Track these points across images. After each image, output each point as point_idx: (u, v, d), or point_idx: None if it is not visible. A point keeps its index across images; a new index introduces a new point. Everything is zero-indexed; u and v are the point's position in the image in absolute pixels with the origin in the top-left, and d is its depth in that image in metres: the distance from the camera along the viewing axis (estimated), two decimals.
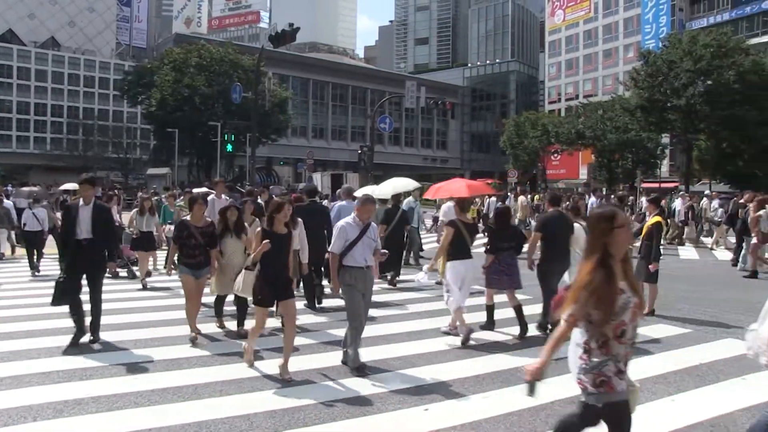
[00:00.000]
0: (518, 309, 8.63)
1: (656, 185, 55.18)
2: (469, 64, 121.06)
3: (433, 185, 15.24)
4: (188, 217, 8.42)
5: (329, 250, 7.10)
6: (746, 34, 59.86)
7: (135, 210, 13.54)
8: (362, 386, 6.34)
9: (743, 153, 45.36)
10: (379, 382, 6.47)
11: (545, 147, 69.18)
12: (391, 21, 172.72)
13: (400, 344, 8.06)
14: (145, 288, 12.36)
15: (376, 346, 7.87)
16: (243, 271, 6.85)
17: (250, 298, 7.56)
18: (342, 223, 6.97)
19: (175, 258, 8.34)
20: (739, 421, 5.54)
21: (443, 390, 6.27)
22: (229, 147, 40.68)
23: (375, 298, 11.02)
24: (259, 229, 6.74)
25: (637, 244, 10.24)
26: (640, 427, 5.28)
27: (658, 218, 10.30)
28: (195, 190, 16.45)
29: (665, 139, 58.98)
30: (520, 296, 8.87)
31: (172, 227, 12.72)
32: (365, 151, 37.91)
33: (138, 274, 13.33)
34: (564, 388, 6.20)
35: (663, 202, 17.55)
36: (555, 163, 78.02)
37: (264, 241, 6.41)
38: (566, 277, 8.63)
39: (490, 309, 9.04)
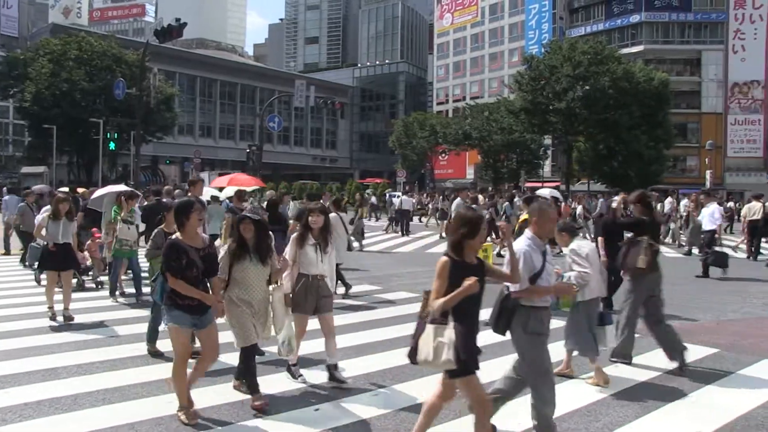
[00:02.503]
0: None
1: (539, 185, 57.43)
2: (359, 65, 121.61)
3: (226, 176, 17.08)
4: (177, 234, 5.44)
5: (511, 289, 4.79)
6: (618, 44, 63.42)
7: (46, 214, 9.82)
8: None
9: (617, 155, 47.87)
10: (268, 384, 6.35)
11: (433, 147, 70.53)
12: (281, 19, 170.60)
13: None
14: (67, 320, 9.16)
15: (263, 348, 7.73)
16: (430, 327, 4.21)
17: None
18: (525, 248, 4.81)
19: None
20: (611, 404, 5.90)
21: (333, 389, 6.24)
22: (112, 145, 39.07)
23: None
24: (444, 259, 4.41)
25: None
26: (519, 416, 5.47)
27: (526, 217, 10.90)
28: (100, 192, 13.58)
29: (547, 140, 61.45)
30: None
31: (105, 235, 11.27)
32: (254, 150, 37.48)
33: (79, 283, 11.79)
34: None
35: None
36: (443, 163, 79.76)
37: (470, 280, 4.17)
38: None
39: None
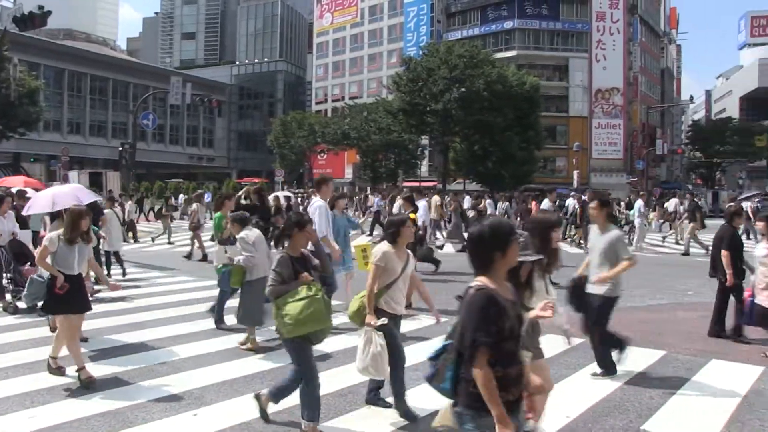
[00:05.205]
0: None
1: (417, 184, 58.49)
2: (237, 62, 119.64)
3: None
4: (482, 279, 3.17)
5: None
6: (492, 48, 65.58)
7: (55, 234, 6.69)
8: (124, 397, 5.94)
9: (491, 155, 49.44)
10: (143, 392, 6.09)
11: (312, 146, 70.51)
12: (156, 13, 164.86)
13: (165, 349, 7.68)
14: (56, 371, 6.58)
15: (138, 353, 7.45)
16: None
17: None
18: None
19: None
20: None
21: (212, 393, 6.07)
22: None
23: (130, 304, 10.50)
24: None
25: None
26: (422, 408, 5.53)
27: (412, 215, 11.22)
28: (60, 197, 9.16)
29: (425, 140, 62.65)
30: None
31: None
32: (126, 148, 36.03)
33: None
34: (329, 385, 6.31)
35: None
36: (321, 163, 79.72)
37: None
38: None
39: None
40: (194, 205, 17.89)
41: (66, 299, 6.41)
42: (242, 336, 8.02)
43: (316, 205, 8.72)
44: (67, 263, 6.50)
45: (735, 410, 5.82)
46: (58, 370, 6.47)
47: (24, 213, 10.24)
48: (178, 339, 8.18)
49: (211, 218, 19.46)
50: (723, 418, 5.63)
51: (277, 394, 5.35)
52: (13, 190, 14.56)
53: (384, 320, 5.24)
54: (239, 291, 7.89)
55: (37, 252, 6.81)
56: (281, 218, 19.55)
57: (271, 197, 23.48)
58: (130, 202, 23.97)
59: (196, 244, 17.43)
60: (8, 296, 9.91)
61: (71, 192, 9.64)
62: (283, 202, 20.76)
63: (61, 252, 6.49)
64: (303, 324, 4.92)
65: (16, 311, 9.60)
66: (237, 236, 7.81)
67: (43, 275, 6.63)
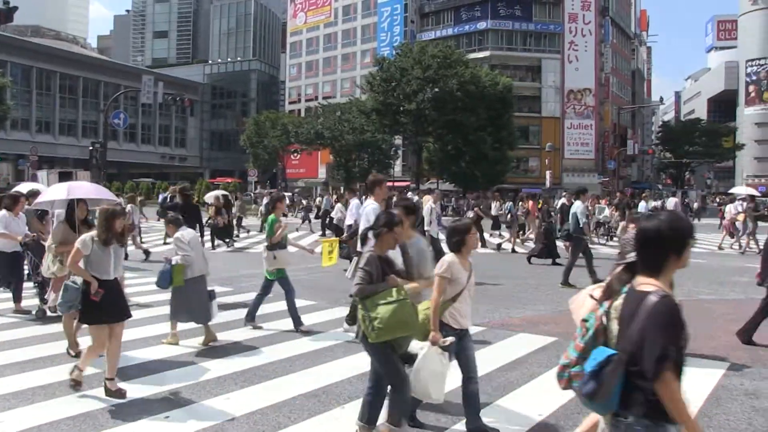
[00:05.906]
0: None
1: (390, 184, 58.56)
2: (210, 61, 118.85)
3: None
4: (653, 283, 2.86)
5: None
6: (466, 49, 65.83)
7: (88, 236, 6.12)
8: (94, 400, 5.86)
9: (465, 155, 49.66)
10: (113, 394, 6.01)
11: (285, 146, 70.21)
12: (128, 10, 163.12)
13: (136, 351, 7.59)
14: (115, 394, 5.88)
15: None
16: None
17: None
18: None
19: None
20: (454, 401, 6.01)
21: (184, 395, 6.03)
22: None
23: None
24: None
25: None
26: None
27: None
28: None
29: (398, 140, 62.74)
30: None
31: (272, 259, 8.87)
32: (97, 147, 35.55)
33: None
34: (302, 385, 6.30)
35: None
36: (295, 162, 79.55)
37: None
38: None
39: None
40: (128, 206, 17.76)
41: (102, 306, 5.91)
42: (202, 338, 8.02)
43: (370, 208, 7.83)
44: (101, 267, 6.00)
45: (702, 405, 5.91)
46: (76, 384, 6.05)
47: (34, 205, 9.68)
48: (148, 341, 8.10)
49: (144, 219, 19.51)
50: (691, 412, 5.70)
51: (371, 416, 4.92)
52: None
53: (452, 339, 4.92)
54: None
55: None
56: (221, 217, 20.06)
57: (211, 197, 23.78)
58: (131, 203, 23.44)
59: (130, 245, 17.48)
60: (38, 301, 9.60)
61: (89, 185, 9.26)
62: (221, 201, 20.97)
63: (95, 255, 5.98)
64: (392, 329, 4.62)
65: (44, 315, 9.23)
66: (172, 237, 8.03)
67: (77, 281, 6.08)
